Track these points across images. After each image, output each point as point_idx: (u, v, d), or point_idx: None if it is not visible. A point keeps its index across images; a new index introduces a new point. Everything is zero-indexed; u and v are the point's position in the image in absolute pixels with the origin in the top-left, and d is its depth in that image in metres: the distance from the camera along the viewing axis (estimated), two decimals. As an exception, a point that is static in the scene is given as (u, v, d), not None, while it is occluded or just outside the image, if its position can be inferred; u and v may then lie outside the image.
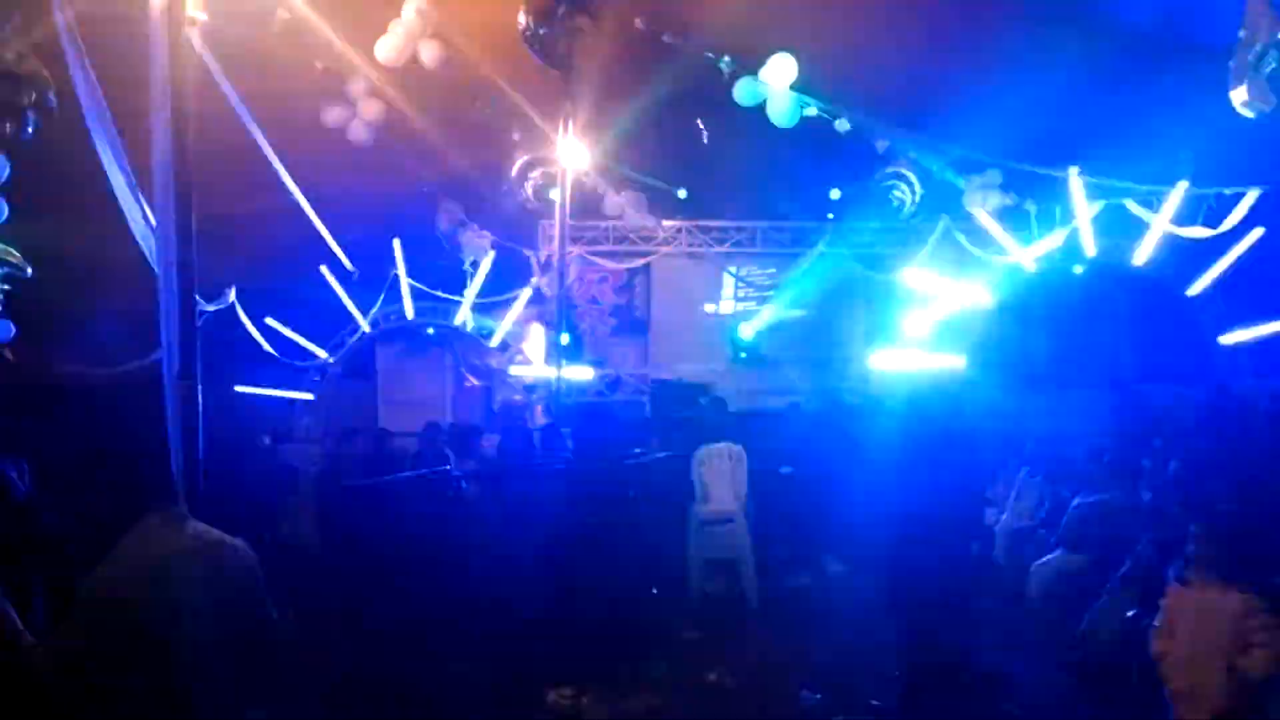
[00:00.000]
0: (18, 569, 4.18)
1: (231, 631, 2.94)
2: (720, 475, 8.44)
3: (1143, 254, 11.67)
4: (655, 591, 7.93)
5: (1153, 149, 10.33)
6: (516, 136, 9.98)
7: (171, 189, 4.45)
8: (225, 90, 5.73)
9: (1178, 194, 11.03)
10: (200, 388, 4.51)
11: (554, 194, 10.33)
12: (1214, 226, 11.02)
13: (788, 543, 9.24)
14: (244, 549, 3.10)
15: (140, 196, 4.96)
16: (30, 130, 5.70)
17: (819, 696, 6.29)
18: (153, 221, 4.69)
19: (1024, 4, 8.35)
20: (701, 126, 11.30)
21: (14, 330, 6.91)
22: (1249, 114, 5.84)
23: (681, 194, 13.02)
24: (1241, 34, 5.54)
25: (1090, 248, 11.67)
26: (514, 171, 10.53)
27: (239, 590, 3.03)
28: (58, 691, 2.79)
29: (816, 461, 9.54)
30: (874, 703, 6.14)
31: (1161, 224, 11.24)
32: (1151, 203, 11.27)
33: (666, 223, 13.50)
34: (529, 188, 10.38)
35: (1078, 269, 12.22)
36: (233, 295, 11.29)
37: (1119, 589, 5.94)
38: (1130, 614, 5.52)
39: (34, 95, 5.53)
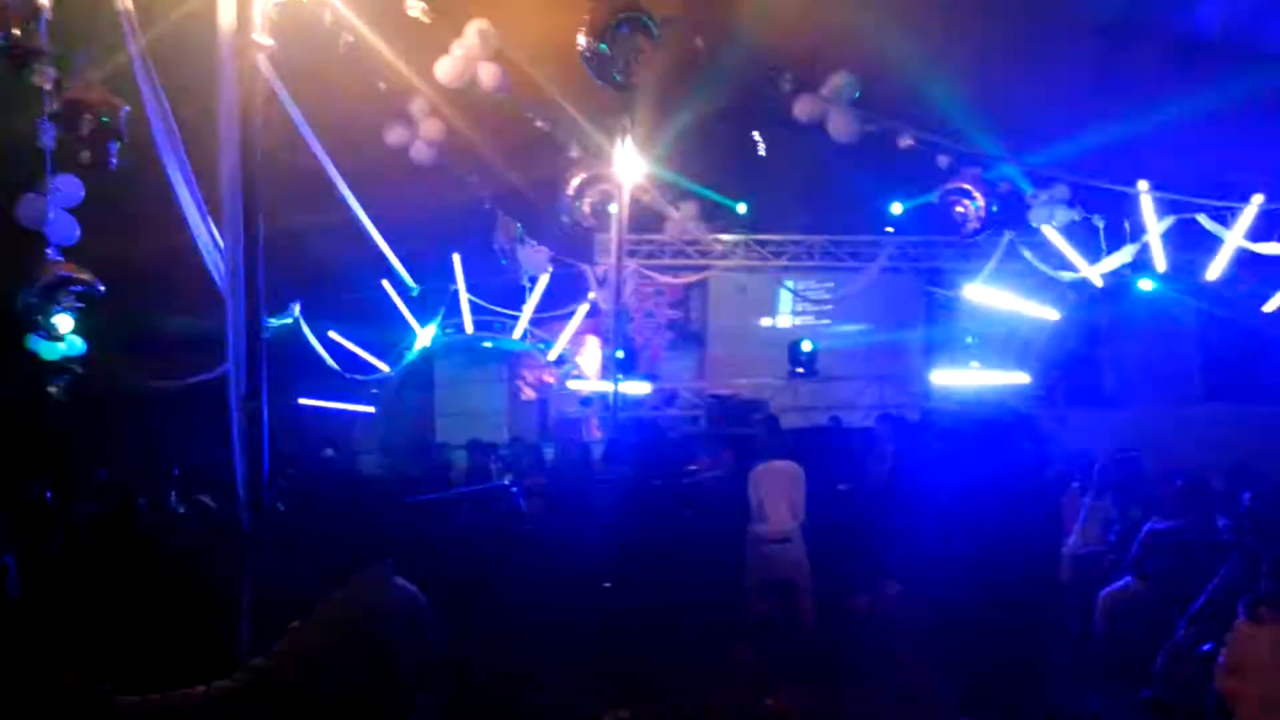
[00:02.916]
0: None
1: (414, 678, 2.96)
2: (778, 494, 8.34)
3: (1215, 270, 11.35)
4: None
5: (1226, 162, 10.06)
6: (575, 153, 10.01)
7: (239, 212, 4.53)
8: (291, 113, 5.81)
9: (1252, 209, 10.71)
10: (265, 405, 4.58)
11: (612, 208, 10.34)
12: (1290, 242, 10.69)
13: (847, 563, 9.09)
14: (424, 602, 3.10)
15: (209, 219, 5.05)
16: (114, 159, 5.84)
17: (878, 725, 6.17)
18: (221, 244, 4.77)
19: (1092, 17, 8.17)
20: (759, 140, 11.24)
21: (85, 347, 7.09)
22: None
23: (741, 209, 12.99)
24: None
25: (1161, 263, 11.39)
26: (572, 187, 10.56)
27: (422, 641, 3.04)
28: None
29: (875, 479, 9.39)
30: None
31: (1235, 239, 10.92)
32: (1224, 218, 10.95)
33: (724, 237, 13.46)
34: (587, 204, 10.40)
35: (1147, 285, 11.94)
36: (298, 310, 11.48)
37: (1195, 623, 5.74)
38: (1207, 648, 5.32)
39: (93, 120, 5.65)
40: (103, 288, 6.84)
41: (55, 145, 6.22)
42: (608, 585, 7.41)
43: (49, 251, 6.65)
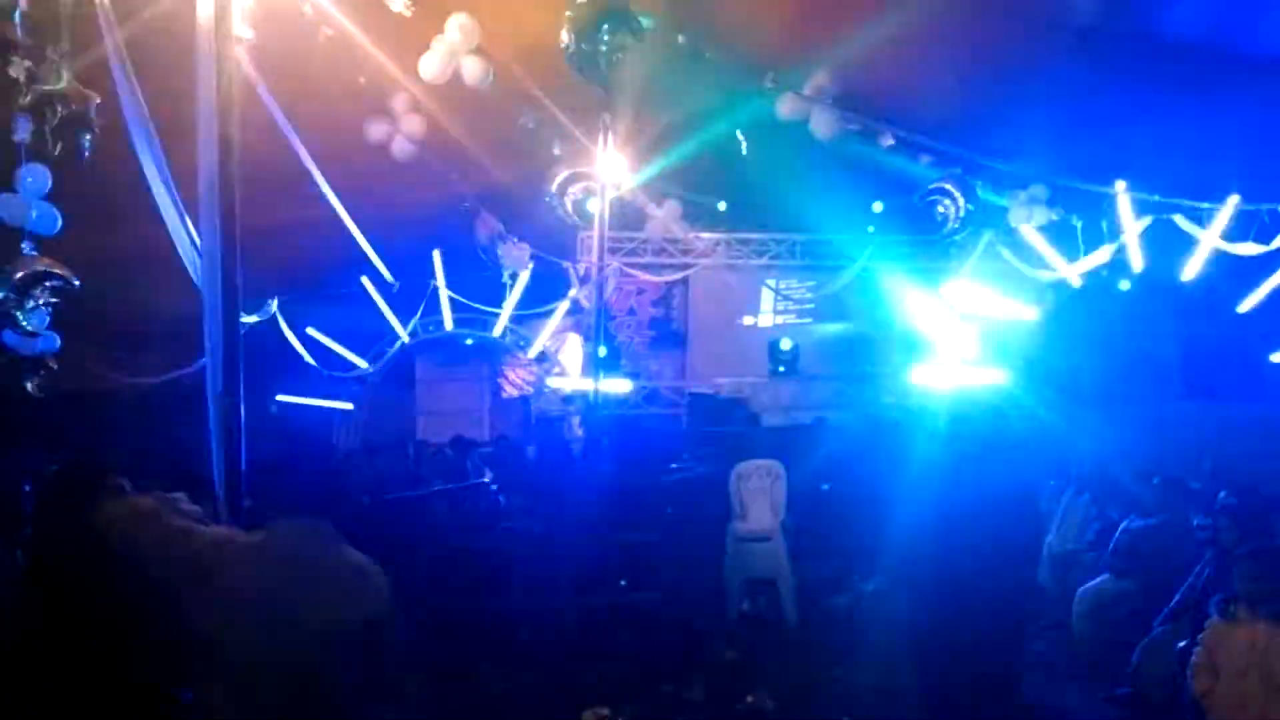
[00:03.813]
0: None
1: (359, 652, 2.93)
2: (758, 492, 8.37)
3: (1191, 270, 11.44)
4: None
5: (1202, 163, 10.12)
6: (557, 150, 9.98)
7: (216, 207, 4.48)
8: (270, 107, 5.76)
9: (1228, 209, 10.80)
10: (242, 402, 4.53)
11: (593, 205, 10.31)
12: (1265, 242, 10.77)
13: (827, 561, 9.12)
14: (380, 574, 3.07)
15: (185, 215, 5.00)
16: (85, 151, 5.77)
17: (858, 722, 6.18)
18: (197, 240, 4.72)
19: (1069, 18, 8.21)
20: (741, 139, 11.22)
21: (59, 342, 7.00)
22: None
23: (721, 206, 12.98)
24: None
25: (1138, 263, 11.46)
26: (554, 185, 10.52)
27: (373, 613, 3.00)
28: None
29: (856, 478, 9.41)
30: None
31: (1211, 239, 11.00)
32: (1201, 218, 11.03)
33: (705, 235, 13.46)
34: (569, 201, 10.38)
35: (1124, 284, 12.01)
36: (274, 306, 11.40)
37: (1171, 620, 5.79)
38: (1181, 645, 5.36)
39: (61, 111, 5.59)
40: (78, 282, 6.75)
41: (29, 139, 6.14)
42: (624, 583, 7.46)
43: (24, 246, 6.56)
